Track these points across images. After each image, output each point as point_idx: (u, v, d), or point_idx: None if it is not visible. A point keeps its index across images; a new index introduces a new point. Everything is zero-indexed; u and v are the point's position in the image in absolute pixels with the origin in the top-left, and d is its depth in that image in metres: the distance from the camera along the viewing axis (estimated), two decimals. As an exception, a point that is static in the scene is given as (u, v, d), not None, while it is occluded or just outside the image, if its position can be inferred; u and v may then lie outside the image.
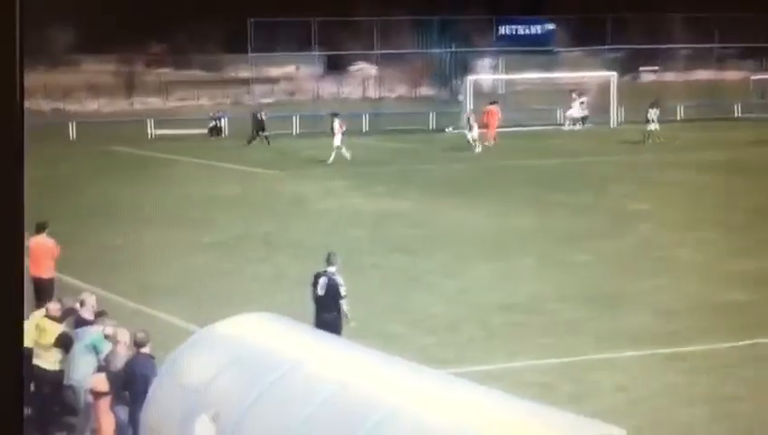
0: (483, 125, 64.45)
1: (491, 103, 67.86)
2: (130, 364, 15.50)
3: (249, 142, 61.62)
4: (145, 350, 15.46)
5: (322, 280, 21.08)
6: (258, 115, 64.15)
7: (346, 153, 53.65)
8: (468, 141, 59.56)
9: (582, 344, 22.68)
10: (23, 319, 3.15)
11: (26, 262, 22.76)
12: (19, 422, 4.13)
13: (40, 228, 24.27)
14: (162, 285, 27.29)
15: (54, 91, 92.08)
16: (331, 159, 53.39)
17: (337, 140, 54.32)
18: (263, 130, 63.29)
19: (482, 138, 60.00)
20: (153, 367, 15.15)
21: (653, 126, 62.62)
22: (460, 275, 29.37)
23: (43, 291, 21.72)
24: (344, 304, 21.06)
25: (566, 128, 70.23)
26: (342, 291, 21.06)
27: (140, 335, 15.82)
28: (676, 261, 30.81)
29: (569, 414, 11.62)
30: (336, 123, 56.01)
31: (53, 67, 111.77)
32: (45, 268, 23.75)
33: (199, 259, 31.18)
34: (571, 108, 70.93)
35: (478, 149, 59.10)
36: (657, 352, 22.27)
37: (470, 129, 60.31)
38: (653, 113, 62.93)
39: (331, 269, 21.15)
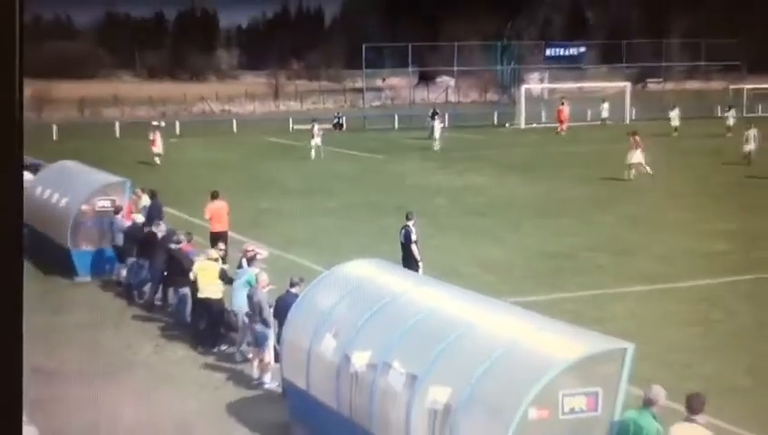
0: (557, 120, 64.89)
1: (561, 104, 66.98)
2: (283, 299, 15.48)
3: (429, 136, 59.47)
4: (294, 290, 15.60)
5: (403, 231, 21.49)
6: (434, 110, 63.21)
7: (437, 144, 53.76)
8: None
9: (604, 282, 22.71)
10: (21, 319, 2.75)
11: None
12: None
13: (214, 196, 24.80)
14: (298, 238, 27.58)
15: (222, 97, 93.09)
16: (437, 146, 53.50)
17: (437, 133, 54.46)
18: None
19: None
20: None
21: (675, 122, 60.97)
22: (516, 232, 29.40)
23: (221, 240, 21.94)
24: (414, 248, 21.32)
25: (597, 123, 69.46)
26: (413, 237, 21.35)
27: (295, 279, 15.72)
28: (672, 221, 30.61)
29: (591, 332, 11.69)
30: (436, 121, 56.61)
31: (221, 80, 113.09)
32: (223, 223, 24.19)
33: (325, 220, 31.46)
34: (601, 110, 70.44)
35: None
36: (658, 287, 22.22)
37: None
38: (674, 114, 61.42)
39: (409, 223, 21.51)
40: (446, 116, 69.30)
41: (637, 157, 39.43)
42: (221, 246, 19.58)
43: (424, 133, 58.06)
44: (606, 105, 70.95)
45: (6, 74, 2.76)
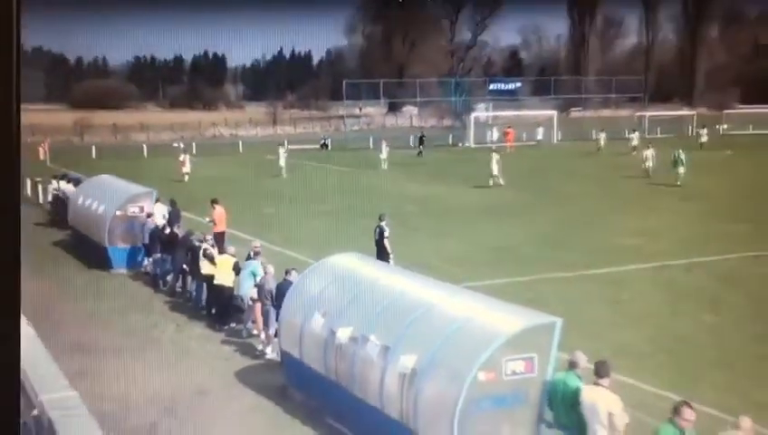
0: (505, 141, 65.95)
1: (508, 127, 68.71)
2: (280, 286, 15.48)
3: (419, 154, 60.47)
4: (290, 278, 15.63)
5: (377, 230, 21.52)
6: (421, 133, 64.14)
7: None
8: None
9: (538, 269, 22.72)
10: (19, 318, 2.46)
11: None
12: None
13: (214, 202, 24.40)
14: (294, 237, 27.46)
15: (230, 123, 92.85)
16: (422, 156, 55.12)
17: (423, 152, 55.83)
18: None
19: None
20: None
21: (601, 143, 63.25)
22: (470, 231, 29.41)
23: (222, 240, 22.05)
24: (386, 243, 21.32)
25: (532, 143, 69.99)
26: (386, 235, 21.36)
27: (289, 270, 15.70)
28: (595, 220, 30.77)
29: (528, 309, 11.75)
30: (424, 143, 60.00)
31: (230, 109, 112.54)
32: (222, 225, 24.03)
33: (316, 222, 31.35)
34: (536, 133, 71.18)
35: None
36: (580, 273, 22.33)
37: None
38: (602, 136, 64.03)
39: (382, 223, 21.53)
40: (412, 138, 69.52)
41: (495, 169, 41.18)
42: (231, 249, 19.41)
43: (394, 152, 58.01)
44: (540, 129, 71.83)
45: (5, 84, 2.64)
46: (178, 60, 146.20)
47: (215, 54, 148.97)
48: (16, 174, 2.97)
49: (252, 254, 17.87)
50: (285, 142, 50.70)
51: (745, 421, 8.46)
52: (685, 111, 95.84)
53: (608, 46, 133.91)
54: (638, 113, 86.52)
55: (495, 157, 41.91)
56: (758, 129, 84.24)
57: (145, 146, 65.70)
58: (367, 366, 11.57)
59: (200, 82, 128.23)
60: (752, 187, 39.54)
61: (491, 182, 40.73)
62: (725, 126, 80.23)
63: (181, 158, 46.76)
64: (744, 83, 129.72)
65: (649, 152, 44.06)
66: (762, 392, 13.31)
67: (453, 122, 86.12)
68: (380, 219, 21.76)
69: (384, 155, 51.62)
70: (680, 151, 41.81)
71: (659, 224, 29.84)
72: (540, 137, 70.82)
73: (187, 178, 45.34)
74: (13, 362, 2.98)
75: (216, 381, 14.50)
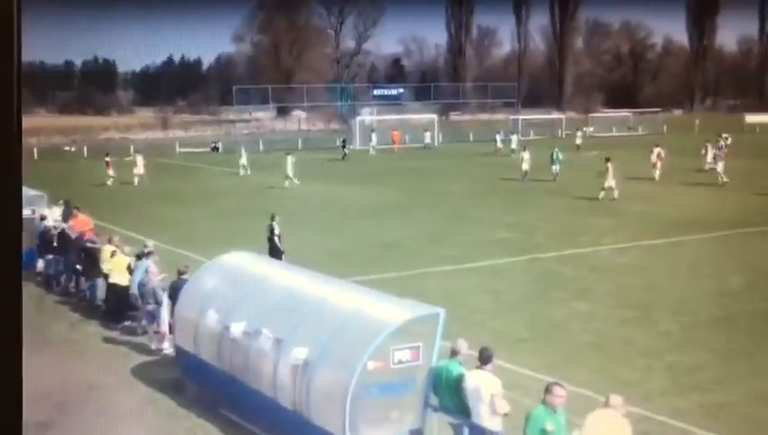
0: (392, 142, 67.22)
1: (395, 130, 70.02)
2: (175, 283, 15.11)
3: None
4: (184, 277, 15.33)
5: (269, 228, 21.39)
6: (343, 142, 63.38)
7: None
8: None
9: (421, 263, 22.88)
10: (20, 318, 2.40)
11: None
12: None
13: (76, 208, 23.20)
14: (187, 236, 26.95)
15: (121, 127, 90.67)
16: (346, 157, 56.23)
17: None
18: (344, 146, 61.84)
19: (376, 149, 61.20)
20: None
21: (500, 144, 63.14)
22: (355, 227, 29.49)
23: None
24: (278, 241, 21.24)
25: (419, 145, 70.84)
26: (277, 233, 21.28)
27: (182, 268, 15.48)
28: (472, 217, 31.24)
29: (413, 301, 11.82)
30: (347, 147, 60.59)
31: (121, 114, 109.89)
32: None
33: (208, 222, 30.93)
34: (424, 136, 72.03)
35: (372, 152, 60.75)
36: (461, 266, 22.58)
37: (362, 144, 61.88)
38: (498, 138, 64.27)
39: (273, 222, 21.43)
40: (299, 140, 69.32)
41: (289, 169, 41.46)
42: (126, 249, 18.83)
43: (283, 154, 57.60)
44: (428, 133, 72.63)
45: (6, 88, 2.51)
46: (69, 65, 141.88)
47: (105, 60, 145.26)
48: (17, 175, 2.84)
49: (144, 253, 17.45)
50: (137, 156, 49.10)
51: (616, 398, 8.56)
52: (555, 115, 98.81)
53: (483, 55, 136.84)
54: (513, 117, 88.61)
55: (290, 159, 42.07)
56: (620, 131, 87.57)
57: (36, 150, 63.40)
58: (260, 359, 11.44)
59: (91, 87, 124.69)
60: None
61: (286, 184, 40.92)
62: (591, 128, 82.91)
63: (107, 159, 45.10)
64: (607, 89, 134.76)
65: (525, 154, 45.17)
66: (628, 371, 13.79)
67: (340, 126, 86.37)
68: (272, 219, 21.61)
69: (244, 160, 49.72)
70: (557, 151, 43.16)
71: (534, 218, 30.55)
72: (428, 141, 71.54)
73: (137, 180, 43.75)
74: (13, 362, 2.86)
75: (110, 377, 14.09)
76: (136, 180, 43.81)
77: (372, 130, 69.97)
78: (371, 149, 63.56)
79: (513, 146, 60.33)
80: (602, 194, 35.01)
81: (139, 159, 45.27)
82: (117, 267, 17.82)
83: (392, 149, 65.81)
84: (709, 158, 45.05)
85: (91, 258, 18.99)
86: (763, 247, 24.74)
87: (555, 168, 42.39)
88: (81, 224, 22.58)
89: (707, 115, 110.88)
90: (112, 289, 17.84)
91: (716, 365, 14.13)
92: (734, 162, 43.37)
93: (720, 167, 41.10)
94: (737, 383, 13.23)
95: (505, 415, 9.55)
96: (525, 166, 43.86)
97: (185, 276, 15.17)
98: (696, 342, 15.49)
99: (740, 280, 20.47)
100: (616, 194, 34.84)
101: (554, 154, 42.97)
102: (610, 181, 35.24)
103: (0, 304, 2.72)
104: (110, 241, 18.81)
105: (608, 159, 36.09)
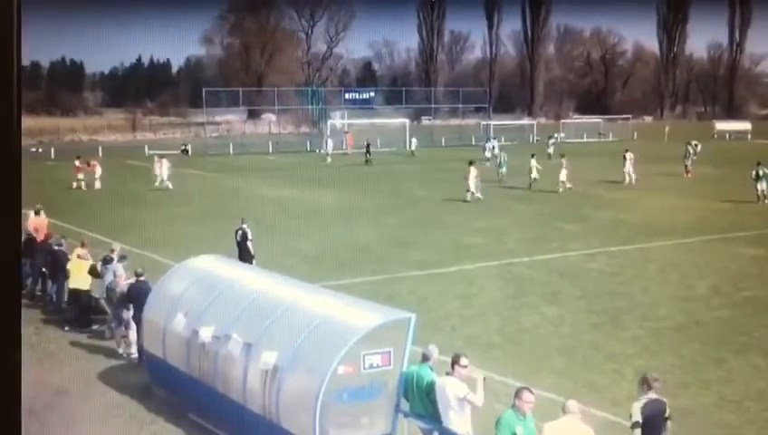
0: (348, 145, 67.57)
1: (346, 132, 70.44)
2: (135, 286, 15.17)
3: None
4: (142, 278, 15.27)
5: (239, 232, 21.30)
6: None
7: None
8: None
9: (392, 268, 22.94)
10: (20, 318, 2.41)
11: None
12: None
13: (36, 212, 22.79)
14: (154, 239, 26.80)
15: (89, 129, 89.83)
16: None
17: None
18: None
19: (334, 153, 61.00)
20: (148, 287, 14.90)
21: (489, 153, 57.35)
22: (325, 231, 29.40)
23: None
24: (249, 245, 21.16)
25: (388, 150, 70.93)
26: (248, 236, 21.19)
27: (139, 270, 15.48)
28: (443, 222, 31.33)
29: (384, 306, 11.84)
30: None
31: (89, 116, 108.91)
32: (42, 234, 21.62)
33: (176, 224, 30.71)
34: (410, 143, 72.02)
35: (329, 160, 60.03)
36: (431, 271, 22.67)
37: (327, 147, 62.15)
38: (489, 144, 60.76)
39: (244, 226, 21.34)
40: (270, 144, 69.17)
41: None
42: (83, 252, 18.62)
43: (253, 157, 57.52)
44: (414, 140, 72.20)
45: (6, 90, 2.50)
46: (35, 65, 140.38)
47: (72, 61, 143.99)
48: (17, 176, 2.83)
49: (111, 257, 17.29)
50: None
51: (572, 405, 8.57)
52: (526, 121, 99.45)
53: (455, 59, 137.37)
54: (484, 122, 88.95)
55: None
56: (590, 137, 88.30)
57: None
58: (229, 363, 11.38)
59: (58, 88, 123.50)
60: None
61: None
62: (562, 134, 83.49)
63: (78, 164, 44.46)
64: (578, 95, 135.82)
65: (503, 160, 45.49)
66: (597, 376, 13.90)
67: (311, 130, 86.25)
68: (243, 222, 21.50)
69: (158, 171, 44.65)
70: (533, 159, 43.14)
71: (506, 224, 30.69)
72: (413, 147, 71.02)
73: (83, 184, 43.10)
74: (13, 362, 2.86)
75: (77, 382, 13.95)
76: (83, 184, 43.30)
77: (346, 132, 70.19)
78: (328, 157, 62.64)
79: (488, 154, 59.28)
80: (561, 189, 39.13)
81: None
82: (76, 272, 17.64)
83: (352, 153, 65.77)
84: (689, 162, 47.23)
85: (56, 261, 18.82)
86: (729, 253, 25.07)
87: (533, 175, 42.25)
88: (37, 223, 22.41)
89: (677, 122, 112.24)
90: (72, 294, 17.72)
91: (685, 370, 14.28)
92: (702, 169, 43.92)
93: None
94: (706, 389, 13.39)
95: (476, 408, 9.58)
96: (503, 169, 44.39)
97: (142, 278, 15.17)
98: (665, 347, 15.65)
99: (707, 286, 20.73)
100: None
101: (531, 164, 42.59)
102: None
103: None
104: (83, 245, 18.67)
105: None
